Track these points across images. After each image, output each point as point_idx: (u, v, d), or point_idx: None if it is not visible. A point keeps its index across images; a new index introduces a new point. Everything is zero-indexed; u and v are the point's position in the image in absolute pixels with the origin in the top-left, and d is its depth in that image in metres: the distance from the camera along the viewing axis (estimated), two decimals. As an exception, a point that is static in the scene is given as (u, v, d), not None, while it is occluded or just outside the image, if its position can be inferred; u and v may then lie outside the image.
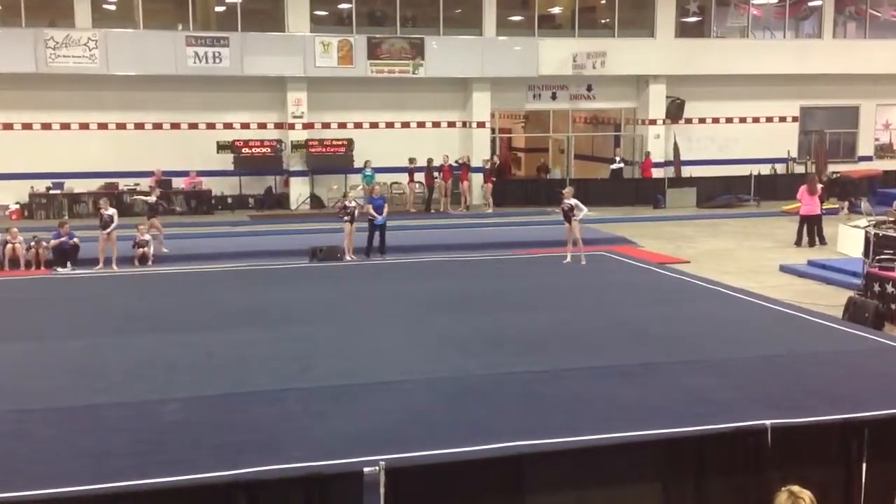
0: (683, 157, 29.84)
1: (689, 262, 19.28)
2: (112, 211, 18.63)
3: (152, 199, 20.64)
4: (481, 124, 28.58)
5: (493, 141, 29.52)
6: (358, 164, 26.47)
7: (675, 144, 29.93)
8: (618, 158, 29.77)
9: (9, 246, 18.38)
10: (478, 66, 27.54)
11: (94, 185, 25.60)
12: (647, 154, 29.63)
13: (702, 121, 30.82)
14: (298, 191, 27.26)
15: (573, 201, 18.55)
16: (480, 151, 28.17)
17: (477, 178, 27.55)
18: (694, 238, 22.76)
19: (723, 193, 28.81)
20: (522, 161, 34.26)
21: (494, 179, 27.50)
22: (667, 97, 29.92)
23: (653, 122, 29.92)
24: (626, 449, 6.81)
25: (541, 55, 27.72)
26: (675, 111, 30.03)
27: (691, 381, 10.54)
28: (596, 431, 8.37)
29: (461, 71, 27.62)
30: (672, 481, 6.51)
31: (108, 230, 18.34)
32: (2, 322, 14.07)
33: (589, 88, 29.76)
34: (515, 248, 20.76)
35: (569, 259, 18.78)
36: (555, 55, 28.07)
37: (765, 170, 30.22)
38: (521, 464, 6.23)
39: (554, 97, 29.66)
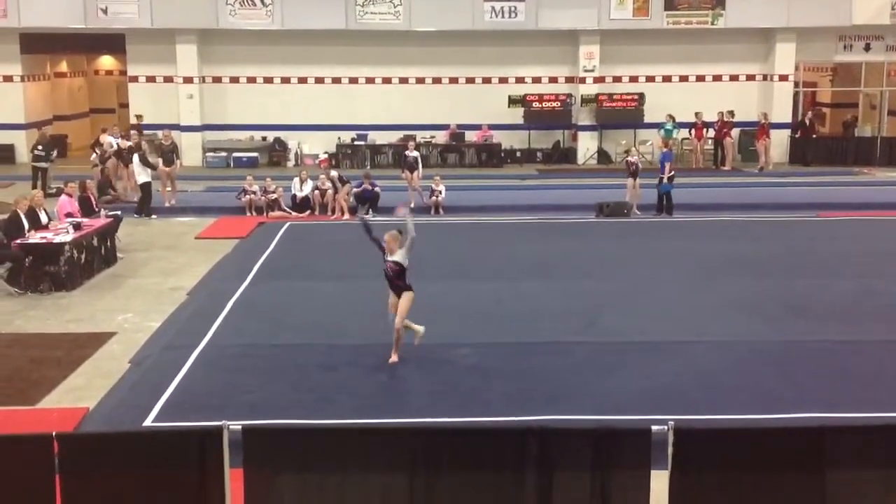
0: None
1: None
2: None
3: (414, 154, 20.97)
4: (783, 77, 26.97)
5: (795, 95, 27.80)
6: (649, 118, 25.93)
7: None
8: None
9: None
10: (783, 16, 25.93)
11: (393, 136, 26.96)
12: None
13: None
14: (586, 145, 27.18)
15: None
16: (781, 107, 26.66)
17: (776, 135, 26.10)
18: None
19: None
20: (828, 117, 32.03)
21: (800, 135, 25.77)
22: None
23: (984, 75, 26.86)
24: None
25: (854, 2, 25.66)
26: None
27: None
28: (905, 410, 7.81)
29: (765, 21, 26.12)
30: None
31: None
32: (315, 262, 15.25)
33: (910, 39, 27.18)
34: (818, 210, 19.49)
35: None
36: (871, 2, 25.85)
37: None
38: (821, 437, 5.93)
39: (867, 48, 27.37)
